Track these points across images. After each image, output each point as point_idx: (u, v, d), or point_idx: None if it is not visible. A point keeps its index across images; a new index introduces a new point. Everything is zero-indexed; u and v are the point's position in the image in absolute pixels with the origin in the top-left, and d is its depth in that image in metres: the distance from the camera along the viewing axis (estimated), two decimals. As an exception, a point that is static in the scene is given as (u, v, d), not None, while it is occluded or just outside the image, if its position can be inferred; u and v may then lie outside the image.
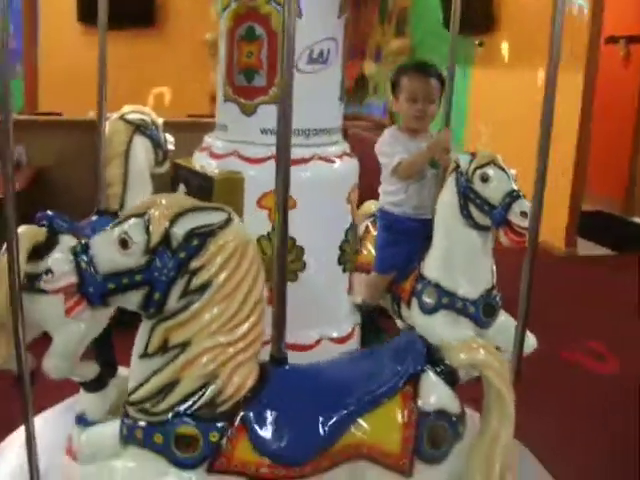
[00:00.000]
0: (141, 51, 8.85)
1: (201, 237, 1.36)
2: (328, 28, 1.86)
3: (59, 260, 1.39)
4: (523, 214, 2.13)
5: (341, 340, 2.01)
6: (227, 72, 1.90)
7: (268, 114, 1.84)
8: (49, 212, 2.13)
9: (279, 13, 1.76)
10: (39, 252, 2.04)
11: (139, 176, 2.50)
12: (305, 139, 1.88)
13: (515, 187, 2.22)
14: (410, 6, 9.91)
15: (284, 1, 1.40)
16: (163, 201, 1.39)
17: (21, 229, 1.92)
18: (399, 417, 1.45)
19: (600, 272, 6.07)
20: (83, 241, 1.39)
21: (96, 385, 2.22)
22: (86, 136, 4.48)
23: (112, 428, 1.52)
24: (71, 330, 2.14)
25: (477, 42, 8.10)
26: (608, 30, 7.98)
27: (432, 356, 1.54)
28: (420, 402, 1.47)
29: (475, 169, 2.23)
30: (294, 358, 1.58)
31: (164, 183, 2.71)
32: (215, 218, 1.38)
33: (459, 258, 2.30)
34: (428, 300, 2.33)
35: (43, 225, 2.08)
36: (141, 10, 9.21)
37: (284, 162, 1.41)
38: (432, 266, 2.36)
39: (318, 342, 1.95)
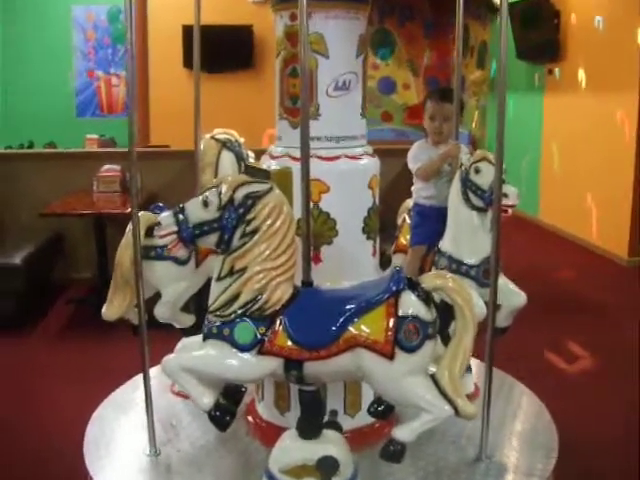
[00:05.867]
0: (242, 90, 9.86)
1: (253, 199, 2.14)
2: (349, 65, 2.61)
3: (165, 217, 2.19)
4: (505, 195, 2.81)
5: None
6: (280, 98, 2.69)
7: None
8: (159, 204, 2.98)
9: (313, 57, 2.54)
10: (152, 231, 2.88)
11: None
12: (335, 143, 2.63)
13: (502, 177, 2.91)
14: (488, 40, 10.55)
15: (301, 50, 2.18)
16: (229, 178, 2.19)
17: (140, 214, 2.76)
18: (385, 318, 2.16)
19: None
20: (180, 205, 2.20)
21: (192, 331, 3.02)
22: (188, 162, 5.41)
23: (198, 336, 2.33)
24: (174, 287, 2.97)
25: (547, 70, 8.67)
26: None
27: (412, 282, 2.25)
28: (400, 310, 2.17)
29: (471, 164, 2.95)
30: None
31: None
32: (262, 187, 2.16)
33: (464, 234, 3.00)
34: (442, 267, 3.04)
35: (156, 212, 2.92)
36: (242, 55, 10.28)
37: (305, 161, 2.21)
38: (446, 241, 3.08)
39: (349, 290, 2.68)
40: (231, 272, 2.18)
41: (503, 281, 3.02)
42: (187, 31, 9.79)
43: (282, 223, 2.17)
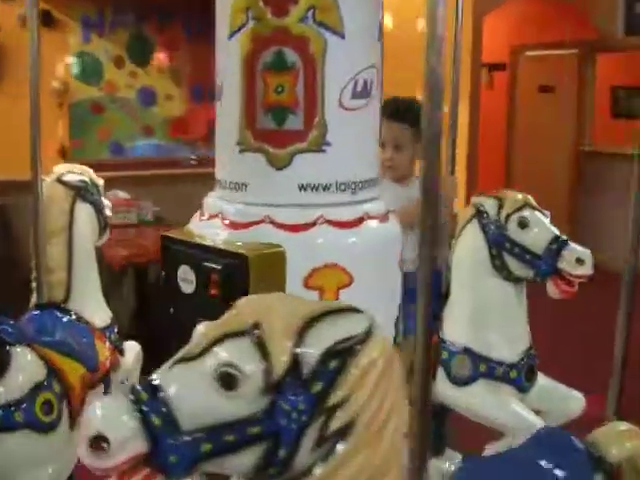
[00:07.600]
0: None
1: (341, 357, 0.91)
2: (371, 53, 1.46)
3: (114, 418, 0.87)
4: (579, 261, 1.83)
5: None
6: (247, 112, 1.42)
7: (307, 165, 1.42)
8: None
9: (318, 34, 1.35)
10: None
11: (85, 255, 1.95)
12: (352, 195, 1.45)
13: (558, 232, 1.92)
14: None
15: None
16: (276, 304, 0.92)
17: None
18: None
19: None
20: (153, 380, 0.89)
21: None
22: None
23: None
24: (37, 475, 1.60)
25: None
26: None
27: (591, 455, 1.20)
28: None
29: (508, 214, 1.91)
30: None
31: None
32: (355, 326, 0.93)
33: (492, 316, 1.97)
34: (460, 369, 1.97)
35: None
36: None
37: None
38: (457, 328, 2.01)
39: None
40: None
41: (545, 381, 2.05)
42: None
43: (393, 405, 0.95)
